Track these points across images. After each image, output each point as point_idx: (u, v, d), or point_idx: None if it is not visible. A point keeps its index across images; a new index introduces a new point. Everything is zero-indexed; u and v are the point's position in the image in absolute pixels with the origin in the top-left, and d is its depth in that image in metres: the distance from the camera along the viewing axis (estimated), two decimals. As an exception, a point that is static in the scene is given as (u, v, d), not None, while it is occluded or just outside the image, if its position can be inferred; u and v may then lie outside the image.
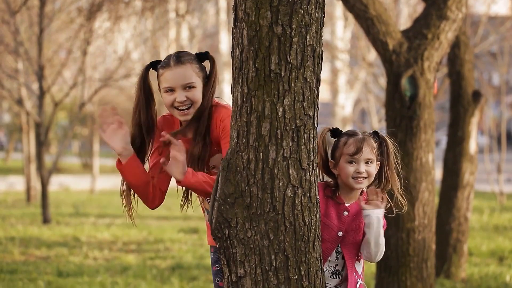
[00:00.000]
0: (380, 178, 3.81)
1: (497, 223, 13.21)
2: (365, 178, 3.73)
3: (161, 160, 3.74)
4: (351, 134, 3.78)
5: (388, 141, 3.83)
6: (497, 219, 13.80)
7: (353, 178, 3.72)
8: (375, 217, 3.69)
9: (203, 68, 3.93)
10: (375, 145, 3.77)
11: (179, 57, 3.86)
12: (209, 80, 3.92)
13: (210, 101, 3.89)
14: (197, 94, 3.86)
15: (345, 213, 3.73)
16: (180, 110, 3.86)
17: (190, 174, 3.72)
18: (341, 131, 3.81)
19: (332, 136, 3.82)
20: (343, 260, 3.76)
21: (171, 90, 3.85)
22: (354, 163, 3.72)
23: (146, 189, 3.91)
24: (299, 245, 3.42)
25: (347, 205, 3.75)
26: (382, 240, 3.72)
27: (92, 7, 14.04)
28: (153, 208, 4.01)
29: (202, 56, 3.94)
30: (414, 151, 6.33)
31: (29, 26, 15.10)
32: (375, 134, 3.82)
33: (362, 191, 3.80)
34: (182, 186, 3.78)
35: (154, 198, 3.95)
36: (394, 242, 6.27)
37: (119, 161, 3.88)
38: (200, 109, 3.87)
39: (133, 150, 3.86)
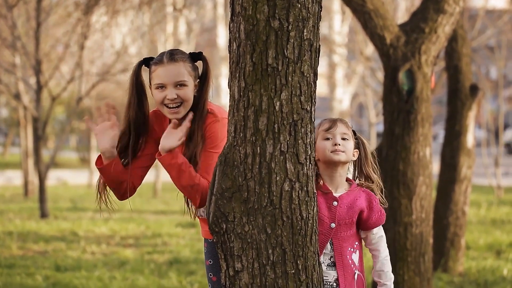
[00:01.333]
0: (361, 176, 3.83)
1: (495, 217, 13.22)
2: (343, 152, 3.72)
3: (173, 121, 3.75)
4: (325, 118, 3.82)
5: (364, 140, 3.85)
6: (494, 213, 13.82)
7: (331, 152, 3.71)
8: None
9: (195, 68, 3.91)
10: (350, 125, 3.79)
11: (173, 55, 3.85)
12: (204, 81, 3.91)
13: (206, 103, 3.88)
14: (188, 93, 3.84)
15: (335, 203, 3.69)
16: (170, 108, 3.83)
17: (177, 153, 3.71)
18: None
19: None
20: None
21: (162, 87, 3.83)
22: (330, 138, 3.72)
23: (120, 186, 3.93)
24: (296, 239, 3.43)
25: (336, 195, 3.72)
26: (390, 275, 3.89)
27: (90, 1, 14.02)
28: (121, 200, 4.01)
29: (195, 56, 3.93)
30: (412, 145, 6.33)
31: (26, 20, 15.07)
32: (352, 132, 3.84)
33: (352, 183, 3.78)
34: (163, 160, 3.73)
35: (125, 193, 3.96)
36: (391, 236, 6.27)
37: (99, 159, 3.88)
38: (195, 110, 3.86)
39: (116, 154, 3.87)
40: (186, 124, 3.72)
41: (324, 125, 3.75)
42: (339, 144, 3.71)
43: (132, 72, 3.94)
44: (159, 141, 3.77)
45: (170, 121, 3.92)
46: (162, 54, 3.89)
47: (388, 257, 3.83)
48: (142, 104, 3.93)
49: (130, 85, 3.93)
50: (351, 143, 3.76)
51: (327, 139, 3.72)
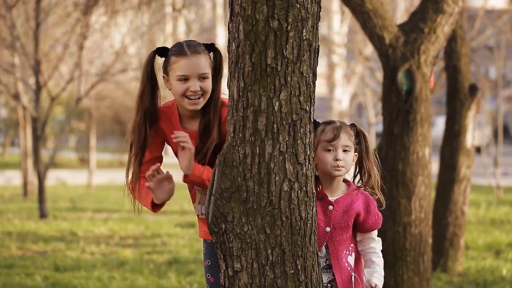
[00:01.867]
0: (361, 171, 3.77)
1: (494, 217, 13.22)
2: (343, 167, 3.66)
3: (178, 150, 3.79)
4: (328, 122, 3.73)
5: (366, 133, 3.78)
6: (493, 213, 13.82)
7: (332, 165, 3.65)
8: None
9: (210, 59, 3.93)
10: (352, 133, 3.71)
11: (194, 46, 3.85)
12: (217, 72, 3.93)
13: (220, 94, 3.90)
14: (209, 84, 3.87)
15: (330, 207, 3.66)
16: (191, 99, 3.85)
17: (197, 170, 3.76)
18: (319, 122, 3.73)
19: None
20: None
21: (185, 79, 3.84)
22: (332, 150, 3.65)
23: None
24: (295, 239, 3.43)
25: (331, 199, 3.68)
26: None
27: (89, 2, 14.00)
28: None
29: (208, 48, 3.94)
30: (411, 145, 6.33)
31: (26, 20, 15.05)
32: (352, 126, 3.76)
33: (350, 185, 3.75)
34: (186, 181, 3.82)
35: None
36: (390, 236, 6.28)
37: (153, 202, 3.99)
38: (209, 102, 3.87)
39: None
40: (189, 147, 3.77)
41: (326, 134, 3.66)
42: (341, 160, 3.64)
43: (146, 61, 3.91)
44: (164, 137, 3.91)
45: (179, 115, 3.93)
46: (181, 45, 3.87)
47: (382, 261, 3.80)
48: (155, 95, 3.93)
49: (144, 75, 3.90)
50: (351, 154, 3.69)
51: (328, 150, 3.66)
